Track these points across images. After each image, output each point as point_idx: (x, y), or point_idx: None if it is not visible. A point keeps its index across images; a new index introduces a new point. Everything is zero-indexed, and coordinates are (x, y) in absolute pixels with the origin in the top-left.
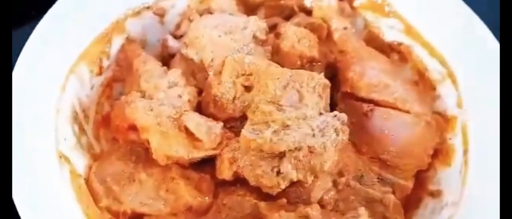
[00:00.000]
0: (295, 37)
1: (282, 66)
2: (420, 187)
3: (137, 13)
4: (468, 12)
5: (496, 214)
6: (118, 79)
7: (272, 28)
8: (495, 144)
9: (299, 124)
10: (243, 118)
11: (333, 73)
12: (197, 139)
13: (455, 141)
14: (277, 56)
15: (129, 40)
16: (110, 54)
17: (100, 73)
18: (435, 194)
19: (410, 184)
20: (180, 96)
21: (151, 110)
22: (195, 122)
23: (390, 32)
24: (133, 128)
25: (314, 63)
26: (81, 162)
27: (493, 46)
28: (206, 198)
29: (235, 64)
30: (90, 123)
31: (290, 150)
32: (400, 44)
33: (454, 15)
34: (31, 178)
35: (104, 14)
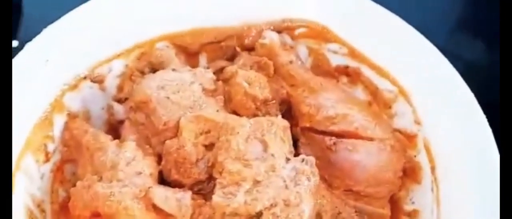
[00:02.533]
0: (245, 83)
1: (238, 113)
2: (396, 209)
3: (74, 86)
4: (407, 27)
5: None
6: (68, 160)
7: (218, 73)
8: (463, 160)
9: (270, 177)
10: (209, 179)
11: (288, 107)
12: (168, 214)
13: (420, 158)
14: (231, 103)
15: (71, 117)
16: (54, 137)
17: (47, 160)
18: (412, 215)
19: (387, 212)
20: (140, 172)
21: (114, 195)
22: (163, 197)
23: (335, 57)
24: (96, 215)
25: (268, 103)
26: None
27: (437, 57)
28: None
29: (191, 125)
30: (48, 215)
31: (266, 208)
32: (346, 67)
33: (395, 32)
34: None
35: (39, 95)
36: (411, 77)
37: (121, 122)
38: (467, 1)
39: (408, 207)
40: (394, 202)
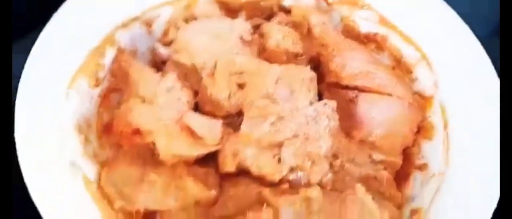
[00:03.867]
0: (279, 35)
1: (270, 63)
2: (407, 163)
3: (126, 25)
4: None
5: (479, 177)
6: (114, 89)
7: (255, 28)
8: (473, 119)
9: (293, 114)
10: (240, 113)
11: (317, 65)
12: (200, 137)
13: (435, 118)
14: (264, 54)
15: (120, 50)
16: (104, 65)
17: (97, 85)
18: (422, 168)
19: (399, 160)
20: (179, 99)
21: (154, 114)
22: (196, 121)
23: (365, 24)
24: (137, 132)
25: (298, 58)
26: (90, 170)
27: (463, 30)
28: (213, 191)
29: (227, 65)
30: (93, 132)
31: (287, 139)
32: (375, 34)
33: (424, 3)
34: (49, 188)
35: (95, 29)
36: (434, 44)
37: (164, 62)
38: None
39: (419, 161)
40: (406, 157)
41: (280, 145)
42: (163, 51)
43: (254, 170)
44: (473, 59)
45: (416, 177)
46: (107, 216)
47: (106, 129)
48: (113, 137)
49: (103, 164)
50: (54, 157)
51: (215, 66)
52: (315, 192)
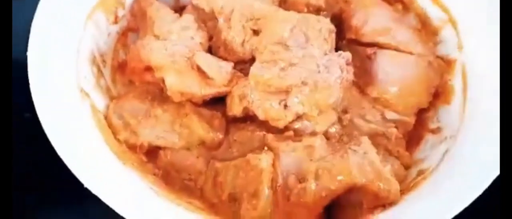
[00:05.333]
0: None
1: None
2: (421, 127)
3: None
4: None
5: (493, 142)
6: (132, 29)
7: None
8: (492, 83)
9: (305, 62)
10: (252, 61)
11: (339, 24)
12: (209, 77)
13: (455, 81)
14: (285, 5)
15: None
16: (125, 3)
17: (115, 22)
18: (435, 131)
19: (411, 120)
20: (192, 38)
21: (166, 50)
22: (207, 61)
23: None
24: (148, 69)
25: (320, 13)
26: (100, 101)
27: None
28: (218, 134)
29: (244, 9)
30: (107, 67)
31: (296, 85)
32: None
33: None
34: (55, 108)
35: None
36: (461, 6)
37: (183, 8)
38: None
39: (433, 125)
40: (421, 121)
41: (288, 91)
42: None
43: (260, 114)
44: (499, 26)
45: (428, 140)
46: (111, 144)
47: (121, 67)
48: (126, 75)
49: (113, 99)
50: (63, 80)
51: (232, 12)
52: (317, 141)
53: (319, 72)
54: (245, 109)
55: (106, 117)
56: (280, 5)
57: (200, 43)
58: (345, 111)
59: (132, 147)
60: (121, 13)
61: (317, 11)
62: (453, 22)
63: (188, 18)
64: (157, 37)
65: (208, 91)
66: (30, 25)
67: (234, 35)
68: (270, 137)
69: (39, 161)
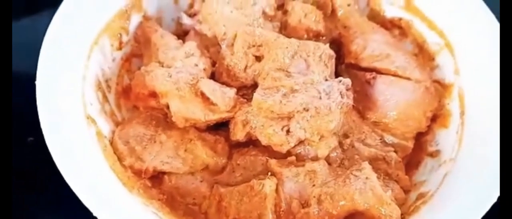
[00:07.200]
0: (302, 12)
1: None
2: (420, 150)
3: None
4: None
5: (493, 164)
6: (136, 55)
7: (280, 7)
8: (490, 105)
9: (307, 88)
10: (254, 86)
11: (338, 48)
12: (213, 103)
13: (452, 105)
14: (285, 30)
15: (146, 18)
16: (129, 30)
17: (120, 48)
18: (434, 155)
19: (410, 144)
20: (196, 65)
21: (170, 76)
22: (211, 87)
23: (391, 9)
24: (153, 95)
25: (319, 38)
26: (105, 126)
27: (488, 16)
28: (221, 158)
29: (246, 36)
30: (112, 92)
31: (298, 111)
32: (400, 19)
33: None
34: (63, 134)
35: None
36: (458, 31)
37: (186, 33)
38: None
39: (431, 149)
40: (420, 145)
41: (290, 117)
42: (187, 21)
43: (263, 139)
44: (495, 49)
45: (427, 163)
46: (117, 170)
47: (125, 92)
48: (131, 100)
49: (118, 124)
50: (70, 107)
51: (235, 38)
52: (320, 166)
53: (320, 98)
54: (248, 134)
55: (111, 142)
56: (280, 30)
57: (204, 69)
58: (346, 136)
59: (137, 173)
60: (125, 39)
61: (317, 36)
62: (449, 47)
63: (191, 44)
64: (161, 63)
65: (212, 117)
66: None
67: (237, 61)
68: (273, 162)
69: (39, 161)
